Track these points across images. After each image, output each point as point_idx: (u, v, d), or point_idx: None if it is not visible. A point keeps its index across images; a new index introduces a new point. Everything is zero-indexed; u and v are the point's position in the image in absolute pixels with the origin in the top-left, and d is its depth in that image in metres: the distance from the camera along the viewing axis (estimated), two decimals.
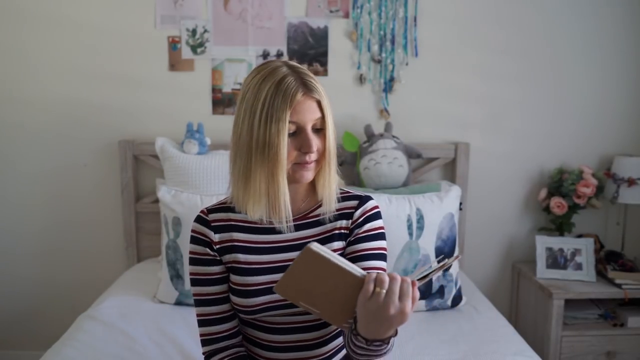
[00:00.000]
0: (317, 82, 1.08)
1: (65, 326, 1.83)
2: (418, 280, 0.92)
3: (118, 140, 2.37)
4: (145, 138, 2.39)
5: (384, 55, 2.38)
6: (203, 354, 1.19)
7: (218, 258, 1.16)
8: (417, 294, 0.91)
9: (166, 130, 2.38)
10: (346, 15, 2.37)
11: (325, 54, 2.39)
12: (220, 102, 2.41)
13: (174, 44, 2.37)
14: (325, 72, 2.39)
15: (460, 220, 2.30)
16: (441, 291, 1.98)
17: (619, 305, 2.32)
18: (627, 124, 2.48)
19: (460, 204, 2.17)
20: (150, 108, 2.40)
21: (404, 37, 2.38)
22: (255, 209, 1.10)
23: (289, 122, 1.04)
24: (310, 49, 2.38)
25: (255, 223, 1.16)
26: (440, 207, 2.04)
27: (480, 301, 2.07)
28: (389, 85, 2.41)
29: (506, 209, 2.52)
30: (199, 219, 1.18)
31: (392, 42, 2.38)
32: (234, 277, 1.15)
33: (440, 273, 1.98)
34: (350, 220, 1.17)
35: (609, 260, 2.35)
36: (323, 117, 1.08)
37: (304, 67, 1.10)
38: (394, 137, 2.32)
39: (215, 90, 2.40)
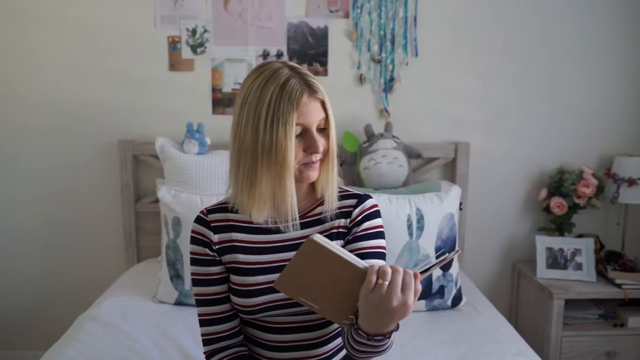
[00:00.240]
0: (319, 82, 1.09)
1: (65, 326, 1.83)
2: (420, 273, 0.92)
3: (118, 139, 2.37)
4: (145, 138, 2.39)
5: (384, 55, 2.38)
6: (204, 353, 1.19)
7: (218, 258, 1.16)
8: (420, 287, 0.91)
9: (166, 130, 2.38)
10: (346, 15, 2.37)
11: (325, 54, 2.39)
12: (220, 102, 2.41)
13: (174, 44, 2.37)
14: (325, 72, 2.39)
15: (460, 220, 2.30)
16: (441, 291, 1.98)
17: (619, 305, 2.32)
18: (627, 124, 2.48)
19: (460, 204, 2.17)
20: (150, 108, 2.40)
21: (404, 37, 2.38)
22: (261, 212, 1.10)
23: (295, 124, 1.04)
24: (310, 49, 2.38)
25: (254, 223, 1.16)
26: (440, 207, 2.04)
27: (480, 301, 2.07)
28: (389, 85, 2.41)
29: (506, 209, 2.52)
30: (198, 220, 1.18)
31: (392, 42, 2.38)
32: (234, 277, 1.15)
33: (440, 272, 1.98)
34: (349, 219, 1.17)
35: (609, 260, 2.35)
36: (326, 117, 1.09)
37: (304, 68, 1.11)
38: (394, 137, 2.32)
39: (215, 90, 2.40)
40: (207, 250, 1.16)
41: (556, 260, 2.32)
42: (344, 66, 2.40)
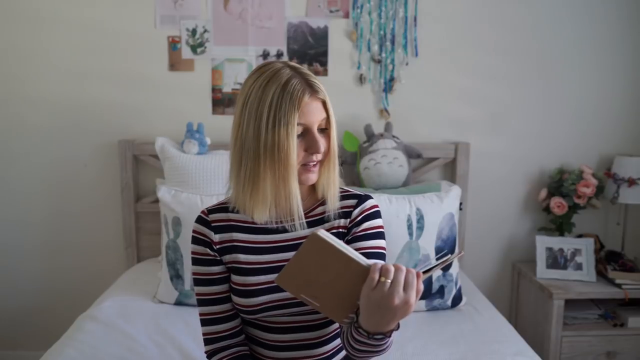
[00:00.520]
0: (320, 82, 1.09)
1: (65, 326, 1.83)
2: (423, 273, 0.92)
3: (118, 140, 2.37)
4: (145, 138, 2.39)
5: (384, 55, 2.38)
6: (205, 352, 1.19)
7: (218, 258, 1.16)
8: (422, 286, 0.91)
9: (166, 130, 2.38)
10: (346, 15, 2.37)
11: (325, 54, 2.39)
12: (220, 102, 2.41)
13: (174, 44, 2.37)
14: (325, 72, 2.39)
15: (460, 220, 2.30)
16: (441, 291, 1.98)
17: (619, 305, 2.32)
18: (627, 124, 2.48)
19: (460, 204, 2.17)
20: (150, 108, 2.40)
21: (404, 37, 2.38)
22: (263, 212, 1.10)
23: (297, 124, 1.04)
24: (310, 49, 2.38)
25: (255, 223, 1.16)
26: (440, 207, 2.04)
27: (480, 301, 2.07)
28: (389, 85, 2.41)
29: (506, 209, 2.52)
30: (199, 220, 1.18)
31: (392, 42, 2.38)
32: (235, 277, 1.15)
33: (440, 272, 1.98)
34: (349, 219, 1.17)
35: (609, 260, 2.35)
36: (327, 117, 1.09)
37: (305, 68, 1.11)
38: (394, 137, 2.32)
39: (215, 90, 2.40)
40: (208, 250, 1.16)
41: (556, 260, 2.32)
42: (344, 66, 2.40)
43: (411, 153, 2.31)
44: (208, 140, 2.26)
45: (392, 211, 1.98)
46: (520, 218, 2.54)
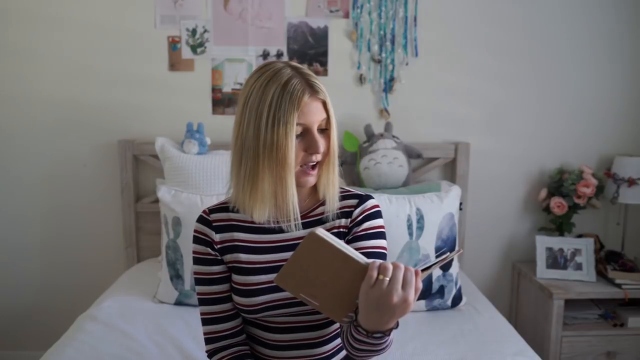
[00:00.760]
0: (321, 82, 1.09)
1: (65, 326, 1.83)
2: (422, 271, 0.92)
3: (118, 140, 2.37)
4: (145, 138, 2.39)
5: (384, 55, 2.38)
6: (206, 352, 1.19)
7: (219, 258, 1.17)
8: (420, 284, 0.90)
9: (166, 130, 2.38)
10: (346, 15, 2.37)
11: (325, 54, 2.39)
12: (220, 102, 2.41)
13: (174, 44, 2.37)
14: (325, 72, 2.40)
15: (460, 220, 2.30)
16: (441, 291, 1.98)
17: (619, 305, 2.32)
18: (627, 124, 2.48)
19: (460, 203, 2.17)
20: (150, 108, 2.40)
21: (404, 37, 2.38)
22: (262, 211, 1.10)
23: (296, 124, 1.04)
24: (310, 49, 2.38)
25: (255, 223, 1.16)
26: (440, 207, 2.04)
27: (480, 301, 2.07)
28: (389, 85, 2.41)
29: (506, 209, 2.53)
30: (200, 219, 1.18)
31: (392, 42, 2.38)
32: (236, 277, 1.15)
33: (440, 272, 1.98)
34: (350, 219, 1.17)
35: (609, 260, 2.35)
36: (328, 118, 1.09)
37: (306, 68, 1.11)
38: (394, 137, 2.32)
39: (215, 90, 2.40)
40: (209, 250, 1.16)
41: (556, 260, 2.32)
42: (344, 66, 2.40)
43: (411, 153, 2.31)
44: (208, 140, 2.26)
45: (392, 211, 1.98)
46: (520, 218, 2.54)
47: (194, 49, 2.37)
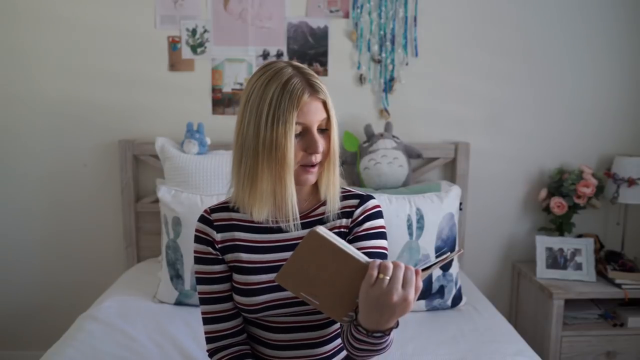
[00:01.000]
0: (322, 82, 1.09)
1: (65, 326, 1.83)
2: (422, 270, 0.92)
3: (118, 140, 2.37)
4: (145, 138, 2.39)
5: (384, 55, 2.38)
6: (207, 351, 1.20)
7: (220, 257, 1.17)
8: (421, 284, 0.90)
9: (166, 130, 2.38)
10: (346, 15, 2.37)
11: (325, 54, 2.39)
12: (220, 102, 2.41)
13: (174, 44, 2.37)
14: (325, 72, 2.40)
15: (460, 220, 2.30)
16: (441, 291, 1.98)
17: (619, 305, 2.32)
18: (627, 124, 2.48)
19: (460, 204, 2.17)
20: (150, 108, 2.40)
21: (404, 37, 2.38)
22: (261, 210, 1.10)
23: (296, 123, 1.04)
24: (310, 49, 2.38)
25: (256, 222, 1.16)
26: (440, 207, 2.04)
27: (480, 301, 2.07)
28: (389, 85, 2.41)
29: (506, 209, 2.53)
30: (202, 219, 1.19)
31: (392, 42, 2.38)
32: (237, 276, 1.15)
33: (440, 272, 1.98)
34: (351, 219, 1.17)
35: (609, 260, 2.35)
36: (328, 118, 1.09)
37: (307, 68, 1.11)
38: (394, 137, 2.32)
39: (215, 90, 2.40)
40: (210, 249, 1.16)
41: (556, 260, 2.32)
42: (344, 66, 2.40)
43: (411, 153, 2.31)
44: (208, 140, 2.26)
45: (392, 211, 1.98)
46: (520, 218, 2.54)
47: (194, 49, 2.37)
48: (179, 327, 1.78)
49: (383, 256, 1.14)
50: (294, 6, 2.35)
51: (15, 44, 2.35)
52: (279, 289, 1.12)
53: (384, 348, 1.00)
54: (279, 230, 1.16)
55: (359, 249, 1.12)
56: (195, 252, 1.18)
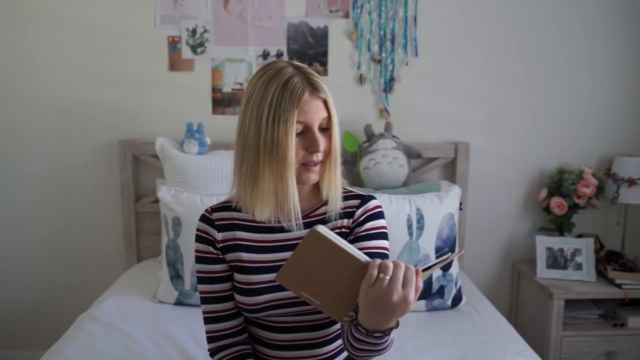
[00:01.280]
0: (322, 81, 1.09)
1: (65, 326, 1.83)
2: (422, 270, 0.92)
3: (118, 140, 2.37)
4: (145, 138, 2.39)
5: (384, 55, 2.38)
6: (208, 350, 1.20)
7: (221, 256, 1.17)
8: (421, 284, 0.90)
9: (166, 130, 2.38)
10: (346, 15, 2.37)
11: (325, 54, 2.39)
12: (220, 102, 2.41)
13: (174, 44, 2.37)
14: (325, 72, 2.40)
15: (460, 220, 2.30)
16: (441, 291, 1.98)
17: (619, 305, 2.32)
18: (627, 124, 2.48)
19: (460, 204, 2.17)
20: (150, 108, 2.40)
21: (404, 37, 2.38)
22: (263, 210, 1.10)
23: (297, 122, 1.04)
24: (310, 49, 2.38)
25: (258, 222, 1.16)
26: (440, 207, 2.04)
27: (480, 301, 2.07)
28: (389, 85, 2.41)
29: (506, 209, 2.53)
30: (203, 218, 1.19)
31: (392, 42, 2.38)
32: (238, 276, 1.15)
33: (440, 272, 1.98)
34: (352, 219, 1.17)
35: (609, 260, 2.35)
36: (329, 117, 1.09)
37: (308, 67, 1.11)
38: (394, 137, 2.32)
39: (215, 90, 2.40)
40: (211, 249, 1.16)
41: (556, 260, 2.32)
42: (344, 66, 2.40)
43: (411, 153, 2.31)
44: (208, 140, 2.25)
45: (392, 211, 1.98)
46: (520, 218, 2.54)
47: (194, 49, 2.37)
48: (179, 327, 1.78)
49: (384, 257, 1.14)
50: (294, 6, 2.35)
51: (15, 43, 2.35)
52: (279, 288, 1.12)
53: (385, 348, 1.00)
54: (280, 230, 1.15)
55: (360, 249, 1.11)
56: (196, 251, 1.18)
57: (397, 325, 0.95)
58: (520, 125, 2.47)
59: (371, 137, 2.32)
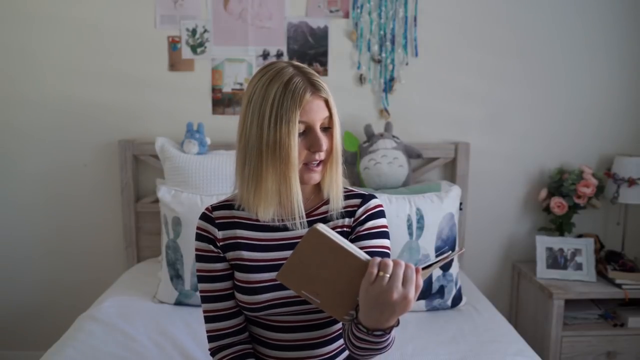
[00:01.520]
0: (323, 81, 1.10)
1: (65, 326, 1.83)
2: (423, 269, 0.92)
3: (118, 140, 2.37)
4: (145, 138, 2.39)
5: (384, 55, 2.38)
6: (209, 350, 1.20)
7: (222, 255, 1.17)
8: (421, 282, 0.90)
9: (166, 130, 2.38)
10: (346, 15, 2.37)
11: (325, 54, 2.39)
12: (220, 102, 2.41)
13: (174, 44, 2.37)
14: (325, 72, 2.40)
15: (460, 220, 2.30)
16: (441, 291, 1.98)
17: (619, 305, 2.32)
18: (627, 124, 2.48)
19: (461, 204, 2.17)
20: (150, 108, 2.40)
21: (404, 37, 2.38)
22: (267, 210, 1.10)
23: (299, 122, 1.05)
24: (310, 49, 2.38)
25: (259, 221, 1.16)
26: (440, 207, 2.04)
27: (480, 301, 2.07)
28: (389, 85, 2.41)
29: (506, 209, 2.53)
30: (203, 216, 1.19)
31: (392, 42, 2.38)
32: (238, 275, 1.15)
33: (440, 272, 1.98)
34: (353, 218, 1.17)
35: (609, 260, 2.35)
36: (330, 116, 1.09)
37: (308, 67, 1.11)
38: (394, 137, 2.32)
39: (215, 90, 2.40)
40: (212, 247, 1.16)
41: (556, 260, 2.32)
42: (344, 66, 2.40)
43: (411, 153, 2.31)
44: (208, 140, 2.25)
45: (392, 211, 1.98)
46: (520, 218, 2.54)
47: (194, 49, 2.37)
48: (179, 327, 1.78)
49: (385, 255, 1.14)
50: (294, 6, 2.35)
51: (15, 43, 2.35)
52: (280, 287, 1.12)
53: (385, 347, 1.00)
54: (281, 228, 1.15)
55: (361, 248, 1.12)
56: (197, 250, 1.18)
57: (398, 323, 0.96)
58: (520, 125, 2.47)
59: (371, 137, 2.32)
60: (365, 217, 1.16)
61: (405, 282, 0.89)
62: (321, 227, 0.90)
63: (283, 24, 2.36)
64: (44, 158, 2.42)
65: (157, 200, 2.21)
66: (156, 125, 2.40)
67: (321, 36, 2.38)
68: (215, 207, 1.19)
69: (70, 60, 2.36)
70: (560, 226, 2.41)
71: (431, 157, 2.41)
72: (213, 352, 1.18)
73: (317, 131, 1.07)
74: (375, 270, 0.89)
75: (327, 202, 1.17)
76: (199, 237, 1.18)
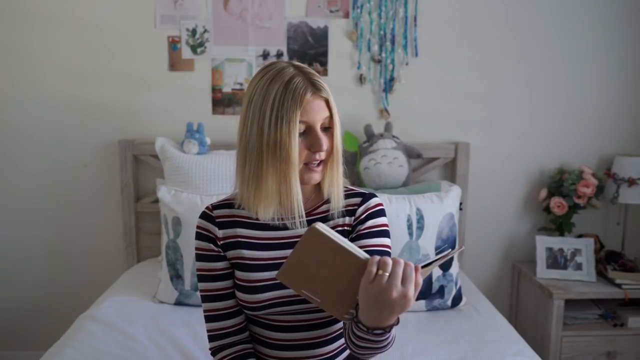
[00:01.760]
0: (323, 81, 1.10)
1: (65, 326, 1.83)
2: (422, 267, 0.92)
3: (118, 140, 2.37)
4: (145, 138, 2.39)
5: (384, 55, 2.38)
6: (210, 349, 1.20)
7: (222, 254, 1.17)
8: (420, 280, 0.90)
9: (166, 130, 2.38)
10: (346, 15, 2.37)
11: (325, 54, 2.39)
12: (220, 102, 2.41)
13: (174, 44, 2.37)
14: (325, 72, 2.40)
15: (460, 220, 2.30)
16: (441, 291, 1.98)
17: (619, 305, 2.32)
18: (627, 124, 2.48)
19: (461, 204, 2.17)
20: (150, 108, 2.40)
21: (404, 37, 2.38)
22: (267, 210, 1.10)
23: (299, 122, 1.05)
24: (310, 49, 2.38)
25: (259, 219, 1.16)
26: (440, 207, 2.04)
27: (480, 301, 2.07)
28: (389, 85, 2.41)
29: (506, 209, 2.53)
30: (203, 215, 1.19)
31: (392, 42, 2.38)
32: (239, 273, 1.15)
33: (440, 272, 1.98)
34: (353, 217, 1.17)
35: (609, 260, 2.35)
36: (330, 116, 1.09)
37: (309, 67, 1.12)
38: (394, 137, 2.32)
39: (215, 90, 2.40)
40: (212, 246, 1.16)
41: (556, 260, 2.32)
42: (344, 66, 2.40)
43: (411, 153, 2.31)
44: (208, 140, 2.25)
45: (392, 211, 1.98)
46: (520, 218, 2.54)
47: (194, 49, 2.37)
48: (179, 327, 1.78)
49: (386, 254, 1.14)
50: (294, 6, 2.35)
51: (15, 43, 2.35)
52: (281, 286, 1.12)
53: (386, 346, 1.00)
54: (282, 227, 1.16)
55: (361, 247, 1.12)
56: (197, 249, 1.18)
57: (398, 322, 0.96)
58: (520, 125, 2.47)
59: (371, 137, 2.32)
60: (366, 215, 1.17)
61: (404, 281, 0.89)
62: (320, 226, 0.90)
63: (283, 24, 2.36)
64: (44, 158, 2.42)
65: (157, 200, 2.21)
66: (156, 125, 2.40)
67: (321, 36, 2.38)
68: (215, 206, 1.19)
69: (70, 60, 2.36)
70: (560, 226, 2.41)
71: (431, 157, 2.41)
72: (213, 351, 1.18)
73: (318, 131, 1.07)
74: (374, 269, 0.89)
75: (327, 201, 1.17)
76: (199, 236, 1.18)
